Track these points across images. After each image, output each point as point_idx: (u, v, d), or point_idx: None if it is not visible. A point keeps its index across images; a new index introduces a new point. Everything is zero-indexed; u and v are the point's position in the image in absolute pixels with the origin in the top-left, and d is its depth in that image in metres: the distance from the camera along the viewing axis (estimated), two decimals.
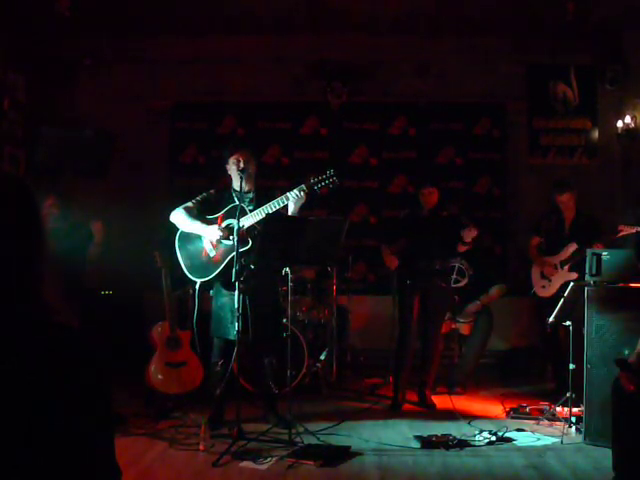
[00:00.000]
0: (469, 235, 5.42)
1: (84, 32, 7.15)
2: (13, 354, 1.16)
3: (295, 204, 4.60)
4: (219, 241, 4.76)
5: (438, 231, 5.58)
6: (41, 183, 6.98)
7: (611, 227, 5.83)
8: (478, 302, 6.32)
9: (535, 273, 6.09)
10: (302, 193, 4.57)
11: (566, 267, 5.86)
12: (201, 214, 4.87)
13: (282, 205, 4.60)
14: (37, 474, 1.15)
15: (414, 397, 5.83)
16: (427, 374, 5.70)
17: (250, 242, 4.60)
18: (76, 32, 7.08)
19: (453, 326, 6.34)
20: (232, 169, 4.88)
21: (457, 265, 6.41)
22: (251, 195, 4.91)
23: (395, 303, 5.84)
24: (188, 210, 4.87)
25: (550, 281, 5.93)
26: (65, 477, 1.18)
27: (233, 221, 4.67)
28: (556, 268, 5.93)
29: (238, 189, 4.82)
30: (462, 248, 5.54)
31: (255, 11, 6.93)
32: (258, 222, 4.63)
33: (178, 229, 4.93)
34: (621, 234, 5.46)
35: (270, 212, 4.57)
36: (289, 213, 4.65)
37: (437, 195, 5.68)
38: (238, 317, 4.43)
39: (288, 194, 4.58)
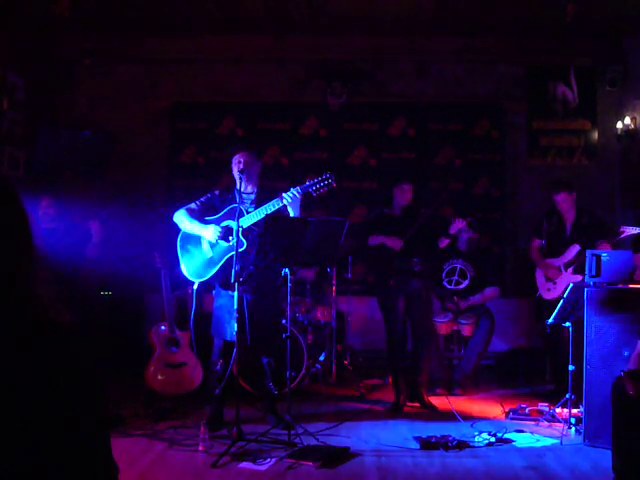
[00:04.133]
0: (455, 227, 5.42)
1: (84, 32, 7.15)
2: (7, 354, 1.16)
3: (294, 207, 4.60)
4: (216, 242, 4.76)
5: (416, 229, 5.55)
6: (40, 183, 7.00)
7: (612, 227, 5.83)
8: (469, 300, 6.33)
9: (540, 276, 6.09)
10: (297, 195, 4.57)
11: (570, 269, 5.85)
12: (204, 215, 4.89)
13: (278, 207, 4.59)
14: (34, 472, 1.15)
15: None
16: (419, 374, 5.64)
17: (245, 243, 4.59)
18: (76, 32, 7.08)
19: (454, 327, 6.34)
20: (234, 169, 4.91)
21: (458, 267, 6.42)
22: (253, 196, 4.92)
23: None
24: (190, 211, 4.90)
25: (555, 284, 5.93)
26: (62, 475, 1.18)
27: (231, 222, 4.68)
28: (560, 271, 5.93)
29: (240, 189, 4.85)
30: (444, 242, 5.51)
31: (255, 11, 6.92)
32: (256, 223, 4.63)
33: (179, 230, 4.94)
34: (624, 235, 5.46)
35: (267, 213, 4.57)
36: (291, 215, 4.65)
37: (412, 193, 5.68)
38: (237, 318, 4.43)
39: (284, 195, 4.58)
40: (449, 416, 5.26)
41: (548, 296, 5.95)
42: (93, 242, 5.83)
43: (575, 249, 5.82)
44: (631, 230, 5.38)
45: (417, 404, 5.59)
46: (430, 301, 5.84)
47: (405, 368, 5.67)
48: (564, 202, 5.94)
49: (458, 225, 5.43)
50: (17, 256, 1.25)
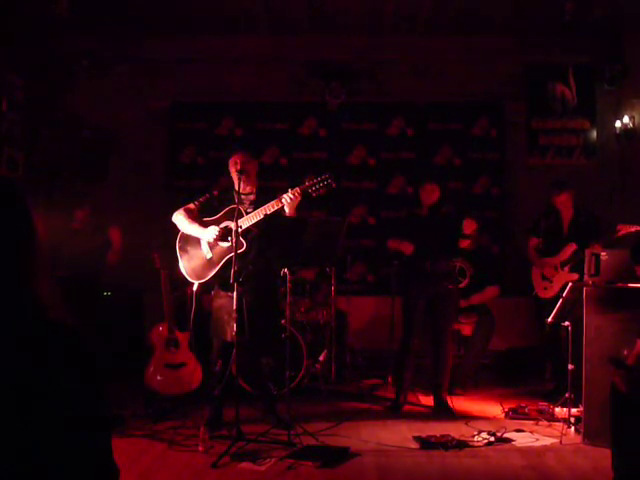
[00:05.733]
0: (469, 227, 5.39)
1: (83, 32, 7.15)
2: (10, 353, 1.16)
3: (290, 206, 4.59)
4: (215, 242, 4.76)
5: (439, 230, 5.54)
6: (40, 184, 6.99)
7: (609, 227, 5.83)
8: (470, 299, 6.33)
9: (536, 274, 6.09)
10: (297, 196, 4.56)
11: (566, 268, 5.85)
12: (202, 215, 4.88)
13: (278, 207, 4.59)
14: (36, 473, 1.15)
15: (413, 398, 5.84)
16: (442, 377, 5.56)
17: (245, 244, 4.59)
18: (75, 32, 7.08)
19: (455, 327, 6.33)
20: (232, 170, 4.90)
21: (459, 265, 6.41)
22: (252, 197, 4.92)
23: (393, 304, 5.83)
24: (189, 211, 4.89)
25: (551, 282, 5.93)
26: (63, 475, 1.18)
27: (230, 223, 4.68)
28: (556, 269, 5.93)
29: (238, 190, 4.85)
30: (464, 243, 5.48)
31: (253, 11, 6.92)
32: (255, 224, 4.63)
33: (179, 230, 4.94)
34: (620, 233, 5.45)
35: (266, 214, 4.56)
36: (286, 215, 4.65)
37: (438, 193, 5.65)
38: (236, 318, 4.43)
39: (284, 196, 4.58)
40: (449, 415, 5.26)
41: (544, 295, 5.95)
42: (114, 249, 5.86)
43: (571, 248, 5.82)
44: (628, 228, 5.37)
45: (442, 410, 5.47)
46: (456, 305, 5.80)
47: (411, 368, 5.66)
48: (565, 202, 5.94)
49: (471, 226, 5.41)
50: (19, 256, 1.25)
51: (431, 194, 5.62)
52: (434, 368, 5.63)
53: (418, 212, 5.74)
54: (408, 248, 5.53)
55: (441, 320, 5.57)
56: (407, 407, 5.62)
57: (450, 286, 5.61)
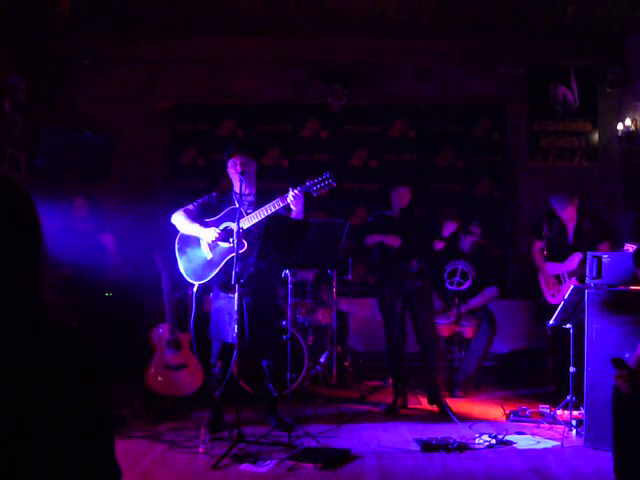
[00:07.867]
0: (447, 229, 5.42)
1: (84, 33, 7.15)
2: (13, 353, 1.16)
3: (297, 206, 4.58)
4: (215, 243, 4.75)
5: (411, 231, 5.57)
6: (41, 184, 6.99)
7: (611, 229, 5.81)
8: (468, 304, 6.32)
9: (543, 280, 6.07)
10: (297, 195, 4.55)
11: (573, 278, 5.82)
12: (201, 217, 4.86)
13: (278, 207, 4.58)
14: (37, 473, 1.15)
15: (414, 401, 5.83)
16: (433, 377, 5.58)
17: (245, 245, 4.58)
18: (76, 33, 7.08)
19: (456, 329, 6.32)
20: (231, 172, 4.88)
21: (460, 267, 6.41)
22: (251, 198, 4.90)
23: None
24: (188, 212, 4.86)
25: (559, 290, 5.90)
26: (65, 477, 1.18)
27: (231, 224, 4.66)
28: (560, 281, 5.90)
29: (238, 192, 4.83)
30: (439, 244, 5.52)
31: (255, 13, 6.93)
32: (255, 225, 4.62)
33: (178, 231, 4.92)
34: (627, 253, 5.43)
35: (267, 214, 4.55)
36: (293, 215, 4.63)
37: (410, 195, 5.69)
38: (237, 320, 4.41)
39: (288, 195, 4.56)
40: (450, 418, 5.25)
41: (553, 301, 5.92)
42: (109, 253, 5.91)
43: (577, 258, 5.78)
44: (634, 247, 5.36)
45: (436, 408, 5.50)
46: (431, 303, 5.83)
47: (404, 369, 5.66)
48: (571, 213, 5.91)
49: (450, 228, 5.44)
50: (24, 258, 1.25)
51: (403, 196, 5.68)
52: (424, 369, 5.64)
53: (390, 214, 5.78)
54: (395, 241, 5.57)
55: (419, 320, 5.59)
56: (408, 409, 5.60)
57: (422, 285, 5.61)
